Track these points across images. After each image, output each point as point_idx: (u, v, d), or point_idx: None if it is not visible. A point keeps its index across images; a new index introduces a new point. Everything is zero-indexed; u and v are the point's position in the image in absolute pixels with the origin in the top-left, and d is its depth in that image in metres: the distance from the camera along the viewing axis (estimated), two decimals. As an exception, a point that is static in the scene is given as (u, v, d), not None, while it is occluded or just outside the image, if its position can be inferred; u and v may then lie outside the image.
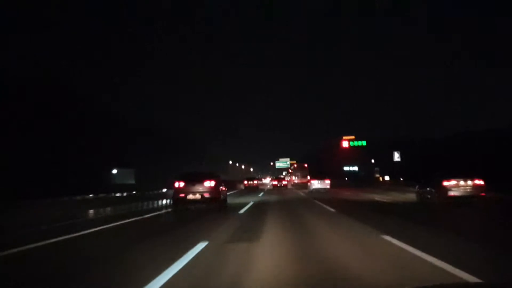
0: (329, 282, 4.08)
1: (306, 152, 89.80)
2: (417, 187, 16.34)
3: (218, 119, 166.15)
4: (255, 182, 47.58)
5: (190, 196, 13.04)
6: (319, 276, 4.31)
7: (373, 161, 55.06)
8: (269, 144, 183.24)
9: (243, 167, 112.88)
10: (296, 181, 44.72)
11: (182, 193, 13.11)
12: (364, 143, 49.95)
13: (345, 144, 49.45)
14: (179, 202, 13.33)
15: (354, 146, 49.76)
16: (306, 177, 41.91)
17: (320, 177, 29.91)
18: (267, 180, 79.62)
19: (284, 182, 44.96)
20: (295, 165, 52.56)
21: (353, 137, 50.17)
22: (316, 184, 29.24)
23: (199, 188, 13.14)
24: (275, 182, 46.12)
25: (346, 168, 61.26)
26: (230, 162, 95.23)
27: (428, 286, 3.50)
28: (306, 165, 46.78)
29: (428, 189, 14.77)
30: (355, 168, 59.62)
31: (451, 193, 13.28)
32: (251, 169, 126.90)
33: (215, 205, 13.43)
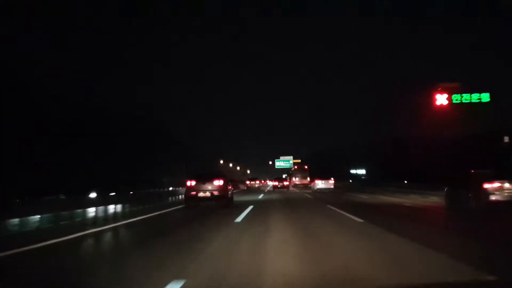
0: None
1: (308, 153, 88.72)
2: (446, 189, 14.37)
3: (216, 117, 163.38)
4: (257, 182, 51.30)
5: (201, 194, 14.24)
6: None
7: (506, 139, 16.83)
8: (269, 144, 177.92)
9: (238, 168, 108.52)
10: (296, 182, 46.27)
11: (194, 191, 14.32)
12: (485, 97, 23.84)
13: (441, 100, 24.00)
14: (190, 199, 14.47)
15: (461, 104, 23.86)
16: (306, 178, 43.71)
17: (324, 177, 29.88)
18: (271, 182, 72.27)
19: (285, 183, 44.15)
20: (295, 167, 53.26)
21: (456, 84, 24.49)
22: (320, 184, 29.90)
23: (209, 186, 14.34)
24: (275, 183, 45.13)
25: (352, 171, 58.67)
26: (222, 162, 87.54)
27: (429, 283, 3.58)
28: (306, 167, 48.86)
29: (461, 192, 12.80)
30: (363, 171, 56.98)
31: (494, 198, 11.42)
32: (248, 171, 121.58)
33: (223, 202, 14.45)
